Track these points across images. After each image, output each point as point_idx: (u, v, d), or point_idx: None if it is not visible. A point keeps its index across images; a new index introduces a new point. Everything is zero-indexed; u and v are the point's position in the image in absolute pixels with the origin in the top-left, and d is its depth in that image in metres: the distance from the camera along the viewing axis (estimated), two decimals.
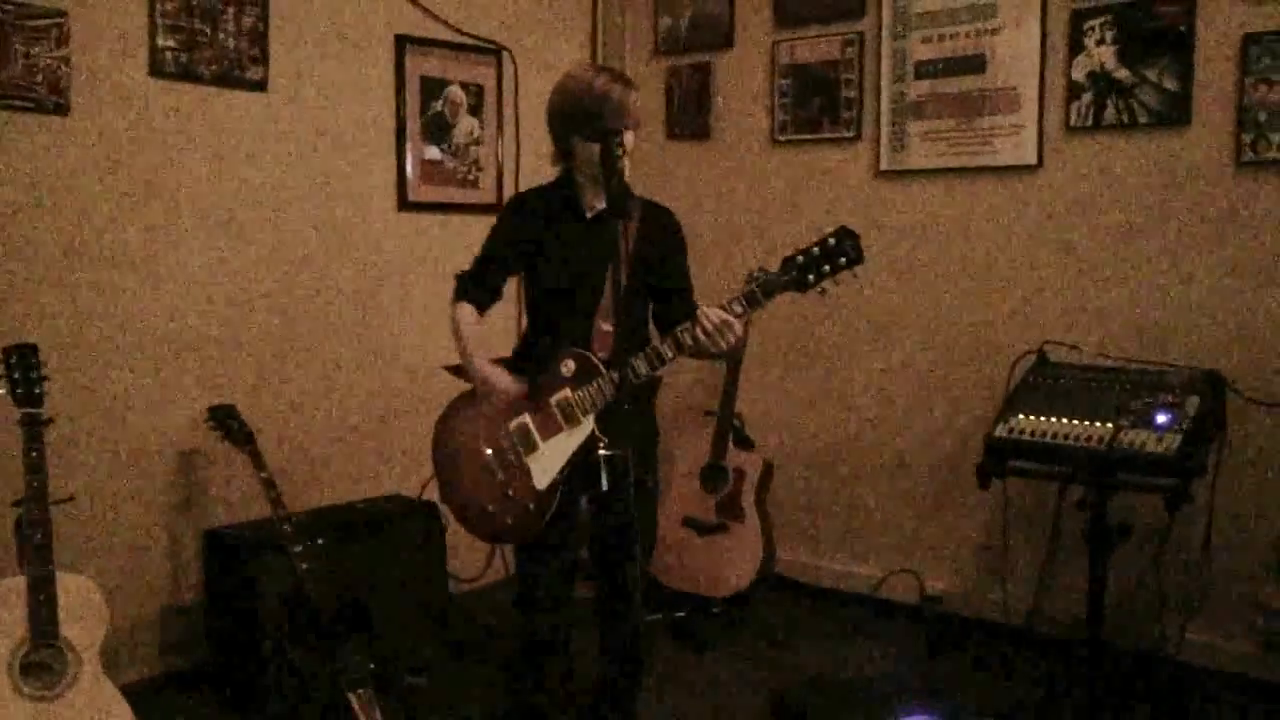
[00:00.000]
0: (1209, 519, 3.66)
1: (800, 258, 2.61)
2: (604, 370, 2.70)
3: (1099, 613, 3.40)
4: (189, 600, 3.79)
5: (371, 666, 3.24)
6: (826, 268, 2.60)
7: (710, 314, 2.61)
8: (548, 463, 2.75)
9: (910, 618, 4.33)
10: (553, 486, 2.74)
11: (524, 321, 3.06)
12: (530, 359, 2.87)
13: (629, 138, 2.69)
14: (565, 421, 2.73)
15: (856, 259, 2.62)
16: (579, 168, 2.82)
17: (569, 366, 2.74)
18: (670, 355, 2.66)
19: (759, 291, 2.62)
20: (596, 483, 2.53)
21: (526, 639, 2.95)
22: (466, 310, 2.86)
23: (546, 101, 2.85)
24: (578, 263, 2.81)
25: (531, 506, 2.75)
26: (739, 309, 2.63)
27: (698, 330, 2.61)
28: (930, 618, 4.27)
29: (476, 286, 2.89)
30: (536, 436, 2.76)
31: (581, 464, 2.71)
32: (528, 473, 2.76)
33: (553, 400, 2.75)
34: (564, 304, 2.83)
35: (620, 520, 2.68)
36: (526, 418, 2.77)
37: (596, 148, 2.60)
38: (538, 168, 3.68)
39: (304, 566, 3.31)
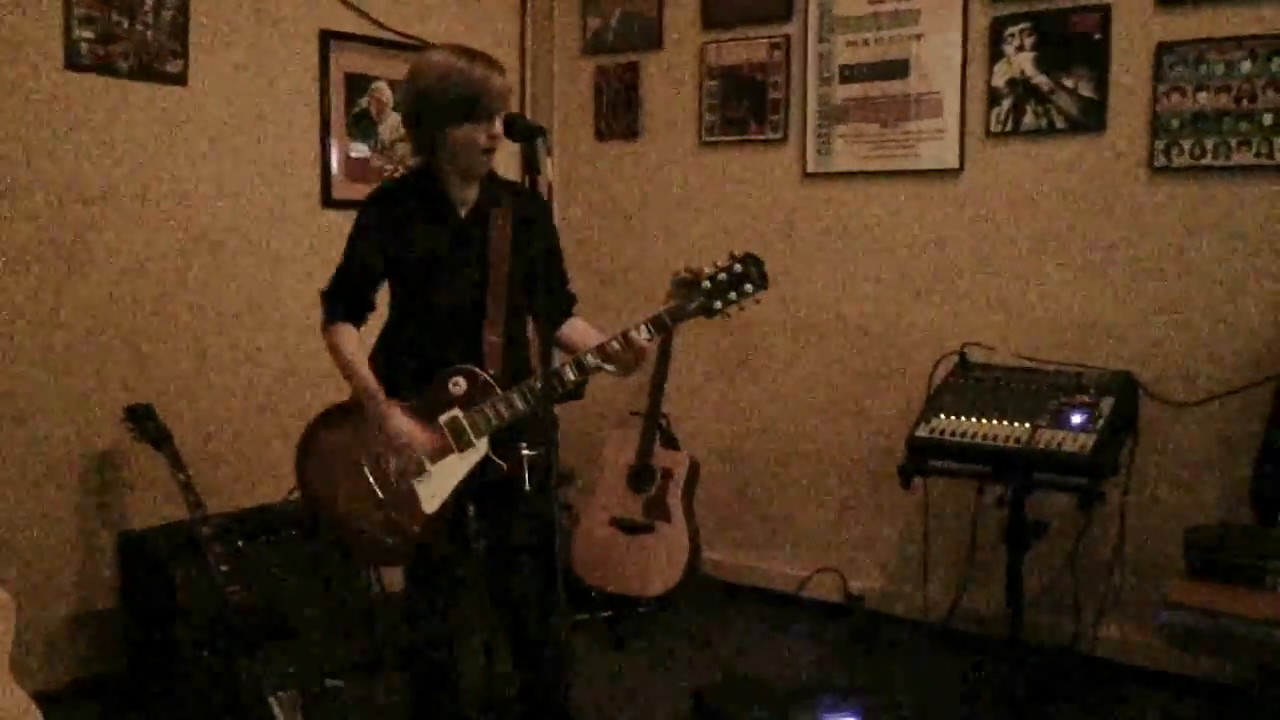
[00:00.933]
0: (1121, 517, 3.75)
1: (707, 283, 2.63)
2: (498, 390, 2.61)
3: (1017, 610, 3.47)
4: (104, 605, 3.71)
5: (292, 670, 3.20)
6: (733, 294, 2.63)
7: (618, 339, 2.60)
8: (437, 486, 2.63)
9: (834, 616, 4.38)
10: (443, 509, 2.64)
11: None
12: (398, 367, 2.71)
13: (499, 124, 2.59)
14: (456, 443, 2.62)
15: (761, 285, 2.65)
16: (446, 159, 2.66)
17: (458, 385, 2.63)
18: (573, 378, 2.62)
19: (666, 317, 2.64)
20: (495, 496, 2.48)
21: (415, 656, 2.88)
22: (346, 333, 2.70)
23: (403, 89, 2.68)
24: (454, 265, 2.67)
25: (417, 529, 2.64)
26: (646, 334, 2.62)
27: (601, 357, 2.60)
28: (853, 616, 4.32)
29: (348, 303, 2.72)
30: (425, 459, 2.63)
31: (476, 483, 2.63)
32: (414, 496, 2.64)
33: (441, 420, 2.63)
34: (445, 313, 2.69)
35: (530, 526, 2.64)
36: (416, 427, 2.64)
37: (474, 135, 2.55)
38: None
39: (223, 569, 3.27)
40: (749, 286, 2.63)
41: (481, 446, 2.62)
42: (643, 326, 2.61)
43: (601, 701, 3.65)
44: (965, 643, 3.96)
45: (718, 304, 2.63)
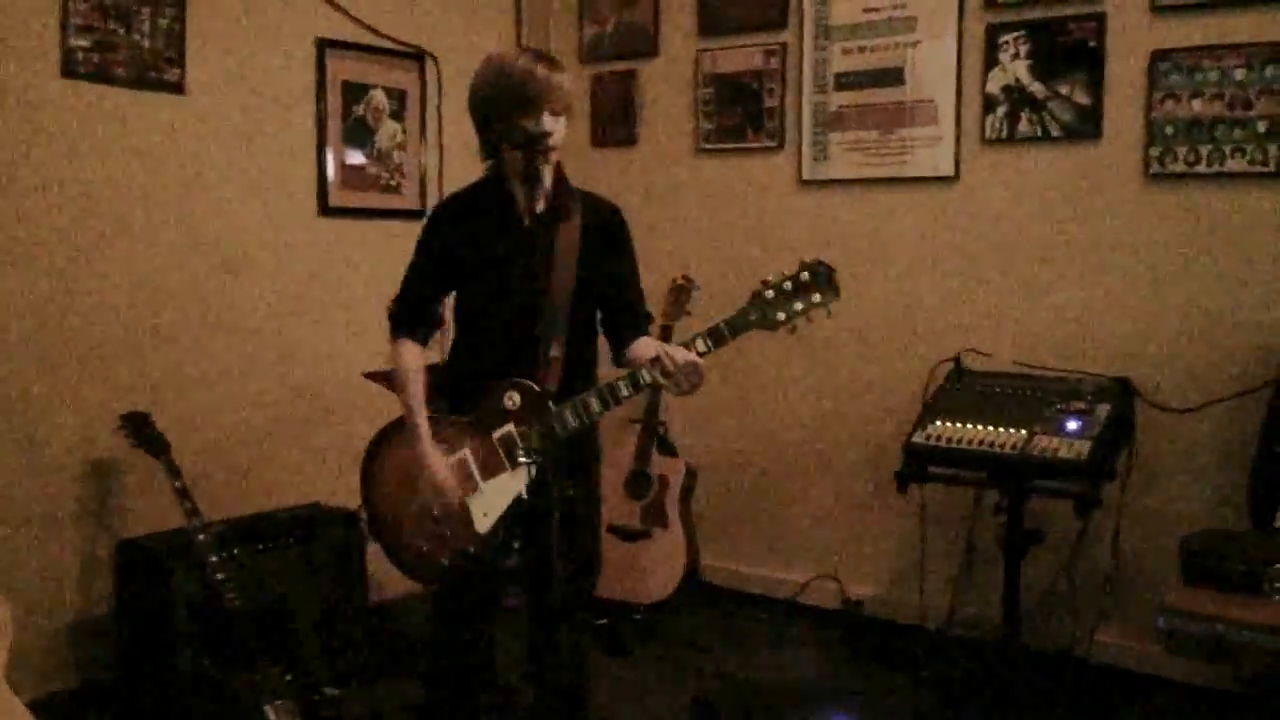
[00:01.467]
0: (1118, 523, 3.76)
1: (769, 292, 2.41)
2: (552, 406, 2.49)
3: (1014, 615, 3.48)
4: (102, 613, 3.70)
5: (289, 679, 3.20)
6: (799, 305, 2.41)
7: (675, 354, 2.43)
8: (489, 504, 2.54)
9: (832, 623, 4.38)
10: (495, 530, 2.55)
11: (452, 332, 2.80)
12: (462, 379, 2.66)
13: (548, 121, 2.50)
14: (509, 460, 2.52)
15: (832, 294, 2.42)
16: (508, 159, 2.59)
17: (513, 400, 2.51)
18: (627, 395, 2.48)
19: (725, 329, 2.43)
20: (535, 510, 2.37)
21: (447, 656, 2.82)
22: (409, 352, 2.64)
23: (469, 91, 2.64)
24: (519, 276, 2.55)
25: (471, 550, 2.56)
26: (703, 347, 2.44)
27: (658, 371, 2.44)
28: (851, 622, 4.32)
29: (414, 317, 2.66)
30: (478, 476, 2.56)
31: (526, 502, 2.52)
32: (467, 514, 2.55)
33: (495, 436, 2.53)
34: (505, 323, 2.59)
35: (543, 540, 2.52)
36: (467, 454, 2.57)
37: (524, 127, 2.47)
38: (461, 174, 3.66)
39: (220, 577, 3.26)
40: (817, 296, 2.41)
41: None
42: (699, 340, 2.44)
43: (600, 708, 3.65)
44: (963, 648, 3.96)
45: (780, 315, 2.40)
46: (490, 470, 2.55)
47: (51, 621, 3.61)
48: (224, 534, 3.51)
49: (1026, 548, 3.46)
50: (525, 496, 2.45)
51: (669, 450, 4.54)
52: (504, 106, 2.51)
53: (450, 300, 2.77)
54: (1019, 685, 3.52)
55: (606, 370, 2.73)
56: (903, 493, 3.63)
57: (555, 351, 2.53)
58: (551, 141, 2.50)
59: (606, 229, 2.66)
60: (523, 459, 2.45)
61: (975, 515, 3.90)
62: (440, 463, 2.57)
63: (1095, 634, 3.83)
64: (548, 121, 2.50)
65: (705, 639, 4.23)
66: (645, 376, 2.46)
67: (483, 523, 2.55)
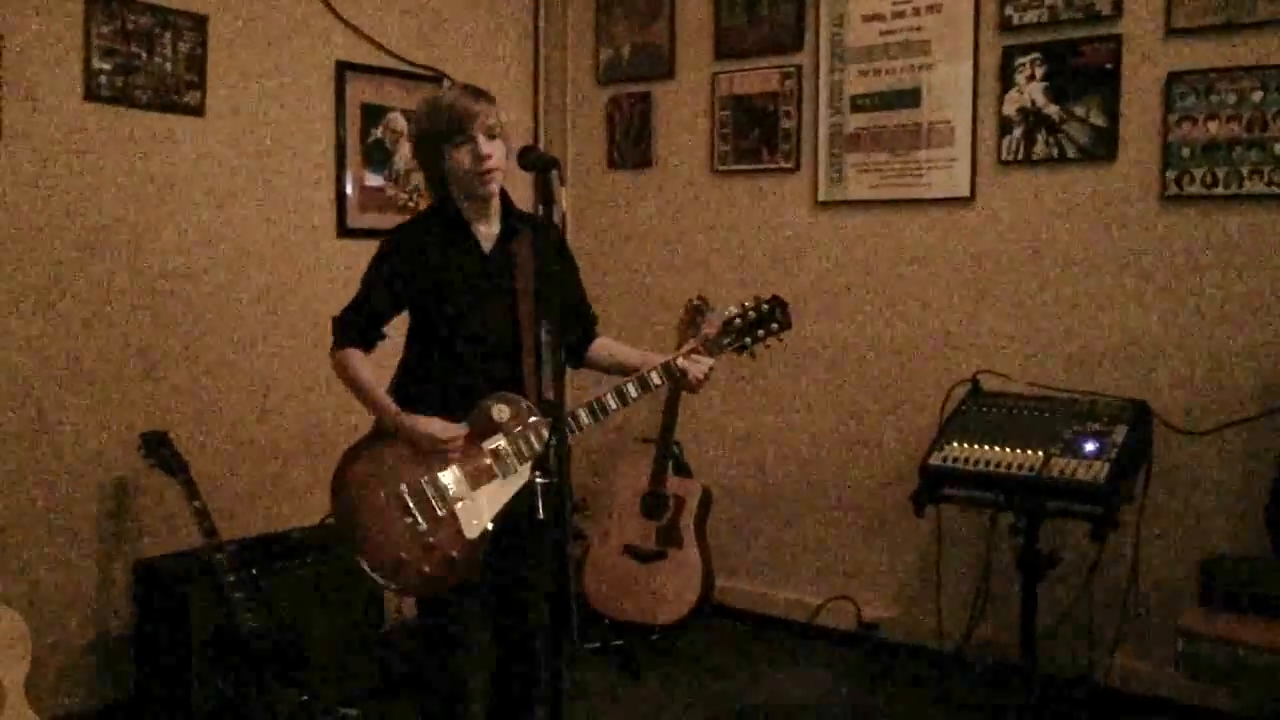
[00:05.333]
0: (1136, 546, 3.74)
1: (737, 320, 2.83)
2: (540, 417, 2.63)
3: (1031, 639, 3.46)
4: (119, 632, 3.72)
5: (304, 699, 3.20)
6: (761, 332, 2.84)
7: (704, 361, 2.79)
8: (478, 511, 2.62)
9: (847, 644, 4.36)
10: (483, 536, 2.62)
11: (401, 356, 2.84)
12: (421, 398, 2.69)
13: (484, 144, 2.63)
14: (500, 469, 2.64)
15: (786, 325, 2.87)
16: (454, 187, 2.71)
17: (502, 411, 2.64)
18: (636, 396, 2.74)
19: (706, 347, 2.82)
20: (510, 527, 2.48)
21: (442, 685, 2.77)
22: (356, 356, 2.69)
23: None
24: (483, 298, 2.70)
25: (455, 555, 2.60)
26: (657, 379, 2.76)
27: (689, 378, 2.77)
28: (867, 644, 4.30)
29: (360, 330, 2.71)
30: (467, 483, 2.63)
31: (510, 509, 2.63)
32: (454, 520, 2.61)
33: (485, 446, 2.64)
34: (474, 344, 2.69)
35: (543, 560, 2.63)
36: (455, 463, 2.64)
37: (460, 157, 2.62)
38: None
39: (236, 597, 3.27)
40: (774, 326, 2.86)
41: (524, 473, 2.63)
42: (709, 345, 2.81)
43: None
44: (979, 671, 3.94)
45: (747, 340, 2.84)
46: (480, 478, 2.63)
47: (69, 640, 3.62)
48: (241, 553, 3.53)
49: (1043, 570, 3.44)
50: (540, 515, 2.48)
51: (684, 471, 4.54)
52: (441, 135, 2.66)
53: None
54: (1036, 709, 3.49)
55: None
56: (919, 514, 3.62)
57: (530, 369, 2.70)
58: (493, 164, 2.65)
59: (551, 241, 2.69)
60: (540, 479, 2.50)
61: (992, 537, 3.88)
62: (426, 418, 2.63)
63: (1112, 657, 3.81)
64: (484, 144, 2.64)
65: (720, 661, 4.22)
66: (654, 379, 2.75)
67: (472, 529, 2.61)
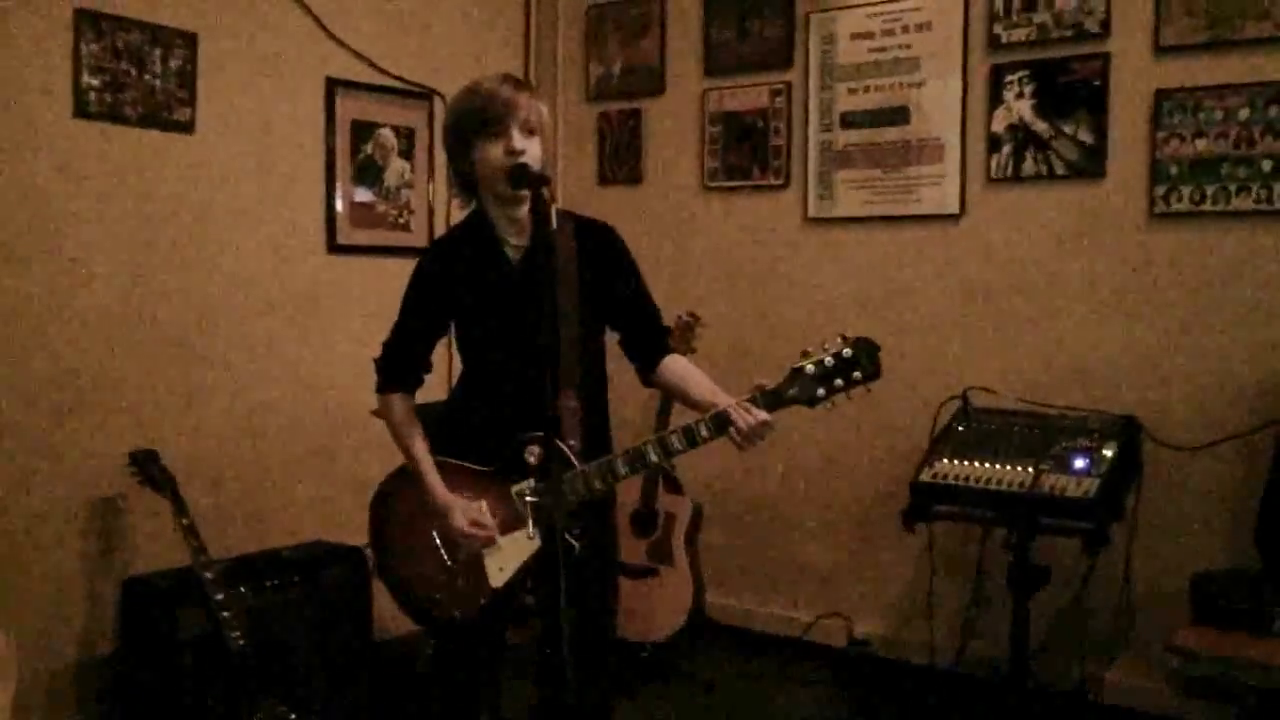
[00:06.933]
0: (1127, 561, 3.74)
1: (810, 367, 2.32)
2: (576, 464, 2.34)
3: (1023, 655, 3.45)
4: (107, 650, 3.69)
5: (293, 717, 3.18)
6: (839, 382, 2.33)
7: (756, 413, 2.30)
8: (504, 560, 2.42)
9: (839, 661, 4.35)
10: (509, 586, 2.42)
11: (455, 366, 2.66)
12: (468, 426, 2.52)
13: (519, 139, 2.36)
14: (530, 518, 2.37)
15: (873, 375, 2.34)
16: (484, 191, 2.45)
17: (534, 454, 2.33)
18: (655, 460, 2.34)
19: (761, 401, 2.33)
20: (549, 568, 2.25)
21: (452, 696, 2.65)
22: (395, 406, 2.52)
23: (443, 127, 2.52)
24: (508, 319, 2.44)
25: (483, 602, 2.44)
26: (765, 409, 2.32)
27: (732, 430, 2.29)
28: (859, 661, 4.29)
29: (401, 368, 2.55)
30: (494, 529, 2.42)
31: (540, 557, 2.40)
32: (481, 568, 2.43)
33: (514, 491, 2.40)
34: (508, 372, 2.44)
35: (584, 599, 2.36)
36: (484, 506, 2.44)
37: (491, 151, 2.34)
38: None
39: (225, 615, 3.25)
40: (858, 374, 2.33)
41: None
42: (760, 398, 2.34)
43: None
44: (971, 688, 3.93)
45: (821, 391, 2.32)
46: (507, 525, 2.42)
47: (57, 659, 3.59)
48: (230, 571, 3.51)
49: (1035, 586, 3.44)
50: (576, 552, 2.33)
51: (675, 488, 4.53)
52: (473, 126, 2.39)
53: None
54: None
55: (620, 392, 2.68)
56: (910, 531, 3.62)
57: (572, 402, 2.37)
58: (526, 160, 2.36)
59: (604, 252, 2.52)
60: (571, 537, 2.30)
61: (983, 553, 3.88)
62: (460, 513, 2.43)
63: (1105, 673, 3.81)
64: (518, 139, 2.37)
65: (711, 677, 4.20)
66: (703, 431, 2.31)
67: (498, 577, 2.43)
